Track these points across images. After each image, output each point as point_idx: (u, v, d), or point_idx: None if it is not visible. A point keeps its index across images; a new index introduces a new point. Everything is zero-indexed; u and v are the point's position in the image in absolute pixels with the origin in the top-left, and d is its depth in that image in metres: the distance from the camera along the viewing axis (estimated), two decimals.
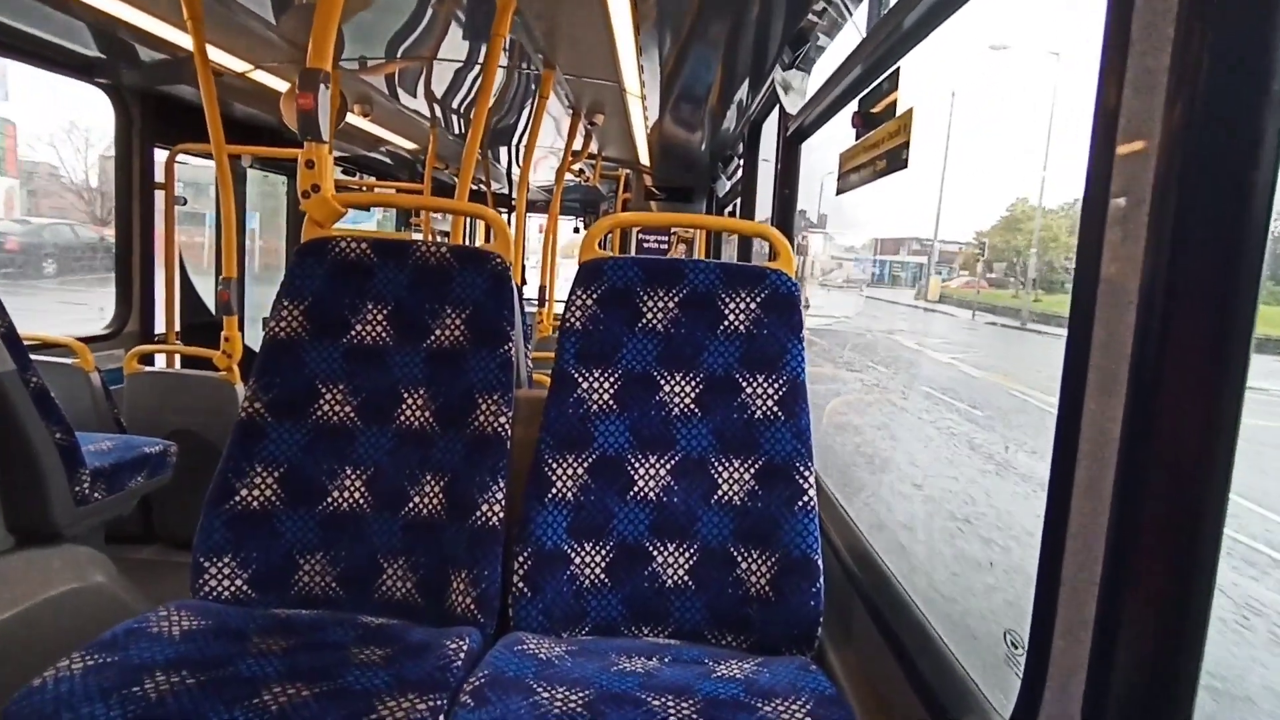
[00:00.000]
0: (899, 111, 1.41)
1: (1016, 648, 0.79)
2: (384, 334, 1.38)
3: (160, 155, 3.43)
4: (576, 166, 4.73)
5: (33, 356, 1.73)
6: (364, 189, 5.73)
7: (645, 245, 6.21)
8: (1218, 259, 0.55)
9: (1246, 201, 0.54)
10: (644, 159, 4.81)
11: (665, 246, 6.19)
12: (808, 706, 1.01)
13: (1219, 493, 0.56)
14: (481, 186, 6.41)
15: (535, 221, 7.04)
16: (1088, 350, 0.63)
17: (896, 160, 1.40)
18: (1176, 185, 0.56)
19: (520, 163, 3.40)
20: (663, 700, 1.02)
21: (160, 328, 3.47)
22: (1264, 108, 0.53)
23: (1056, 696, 0.65)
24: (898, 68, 1.41)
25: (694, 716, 0.98)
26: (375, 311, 1.39)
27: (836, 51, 2.11)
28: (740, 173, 3.76)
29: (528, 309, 5.21)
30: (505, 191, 7.31)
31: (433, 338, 1.39)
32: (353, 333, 1.38)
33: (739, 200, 3.78)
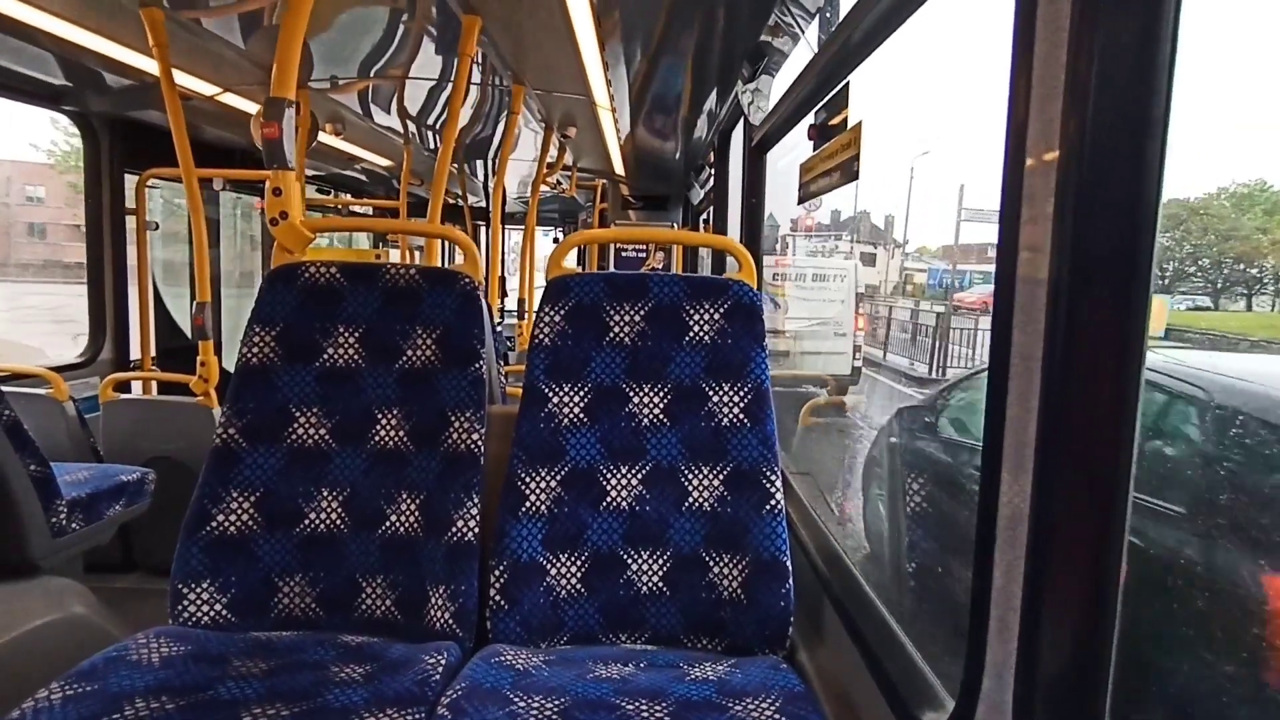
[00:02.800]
0: (850, 124, 1.46)
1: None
2: (356, 356, 1.41)
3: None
4: (553, 178, 4.76)
5: (5, 388, 1.73)
6: (340, 206, 5.73)
7: (624, 255, 6.27)
8: (1112, 261, 0.60)
9: (1136, 207, 0.59)
10: (619, 169, 4.85)
11: (644, 255, 6.25)
12: (777, 704, 1.04)
13: (1122, 482, 0.61)
14: (458, 200, 6.42)
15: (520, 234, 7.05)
16: (1008, 353, 0.67)
17: (849, 172, 1.45)
18: (1074, 194, 0.61)
19: (496, 176, 3.43)
20: (636, 705, 1.04)
21: (135, 353, 3.46)
22: (1148, 123, 0.59)
23: (993, 684, 0.69)
24: (848, 82, 1.45)
25: (666, 719, 1.01)
26: (347, 334, 1.41)
27: (796, 62, 2.16)
28: (712, 181, 3.81)
29: (508, 320, 5.23)
30: (483, 205, 7.32)
31: (404, 358, 1.41)
32: (325, 356, 1.40)
33: (712, 208, 3.83)
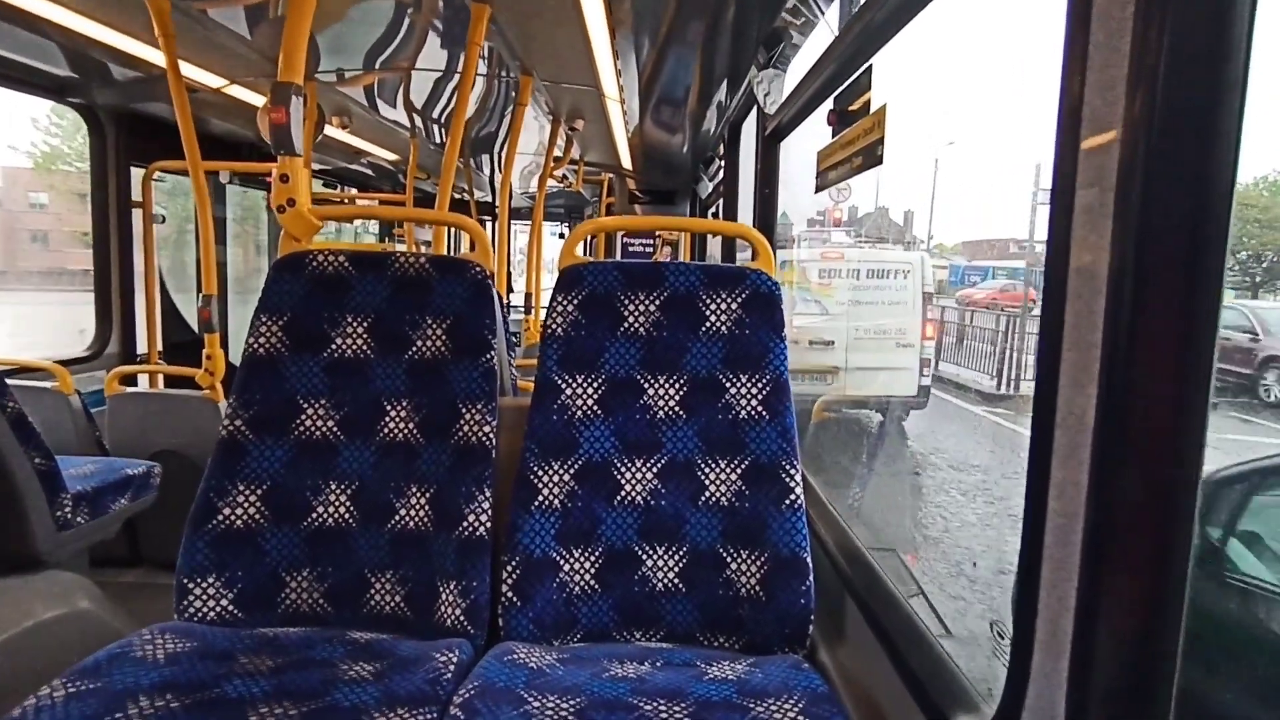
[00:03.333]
0: (873, 108, 1.42)
1: (1003, 639, 0.79)
2: (365, 347, 1.38)
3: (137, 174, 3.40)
4: (559, 172, 4.73)
5: (10, 381, 1.71)
6: (345, 201, 5.71)
7: (630, 249, 6.23)
8: (1182, 245, 0.56)
9: (1208, 189, 0.55)
10: (626, 162, 4.82)
11: (650, 249, 6.21)
12: (800, 705, 1.00)
13: (1191, 477, 0.57)
14: (464, 195, 6.40)
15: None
16: (1060, 341, 0.63)
17: (872, 156, 1.41)
18: (1140, 176, 0.57)
19: (502, 169, 3.41)
20: (654, 705, 1.01)
21: (142, 347, 3.44)
22: (1222, 97, 0.54)
23: (1041, 692, 0.65)
24: (870, 65, 1.41)
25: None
26: (355, 324, 1.38)
27: (811, 49, 2.12)
28: (722, 173, 3.77)
29: (514, 315, 5.21)
30: (489, 200, 7.30)
31: (414, 349, 1.38)
32: (333, 346, 1.37)
33: (721, 201, 3.79)
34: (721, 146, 3.67)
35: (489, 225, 7.51)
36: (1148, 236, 0.56)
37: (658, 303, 1.37)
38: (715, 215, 4.98)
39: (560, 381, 1.34)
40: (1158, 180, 0.56)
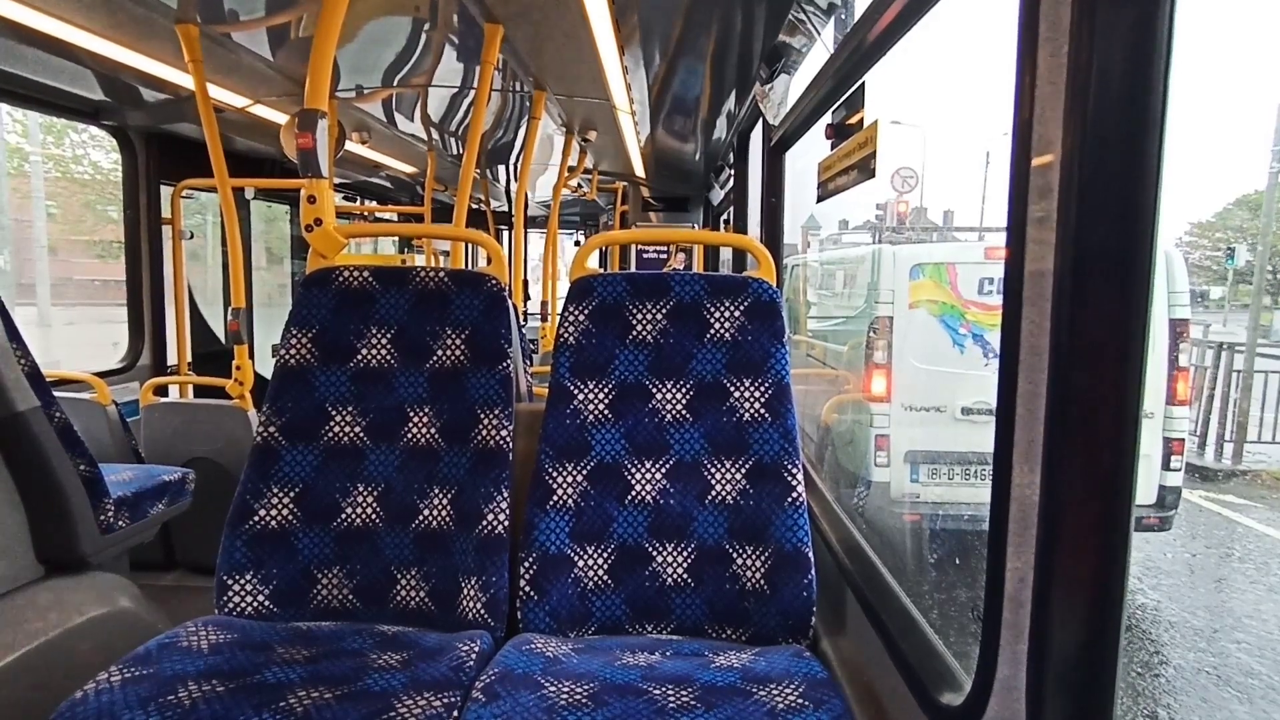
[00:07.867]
0: (865, 123, 1.48)
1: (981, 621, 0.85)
2: (388, 357, 1.46)
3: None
4: (574, 182, 4.81)
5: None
6: (365, 213, 5.84)
7: (645, 256, 6.31)
8: (1115, 250, 0.63)
9: (1136, 205, 0.62)
10: (639, 171, 4.89)
11: (665, 256, 6.29)
12: (800, 689, 1.07)
13: (1128, 467, 0.63)
14: (481, 205, 6.51)
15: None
16: (1018, 344, 0.69)
17: (865, 169, 1.47)
18: (1077, 190, 0.63)
19: (518, 180, 3.49)
20: (663, 689, 1.08)
21: (172, 359, 3.56)
22: (1144, 122, 0.61)
23: (1008, 667, 0.71)
24: (863, 82, 1.48)
25: (692, 703, 1.04)
26: (379, 336, 1.46)
27: (815, 62, 2.17)
28: (732, 181, 3.83)
29: (531, 322, 5.30)
30: (505, 209, 7.41)
31: (435, 358, 1.46)
32: (359, 357, 1.45)
33: (733, 208, 3.85)
34: (731, 155, 3.73)
35: (505, 234, 7.62)
36: (1083, 247, 0.63)
37: (664, 311, 1.44)
38: (727, 222, 5.03)
39: (573, 387, 1.42)
40: (1091, 193, 0.63)
